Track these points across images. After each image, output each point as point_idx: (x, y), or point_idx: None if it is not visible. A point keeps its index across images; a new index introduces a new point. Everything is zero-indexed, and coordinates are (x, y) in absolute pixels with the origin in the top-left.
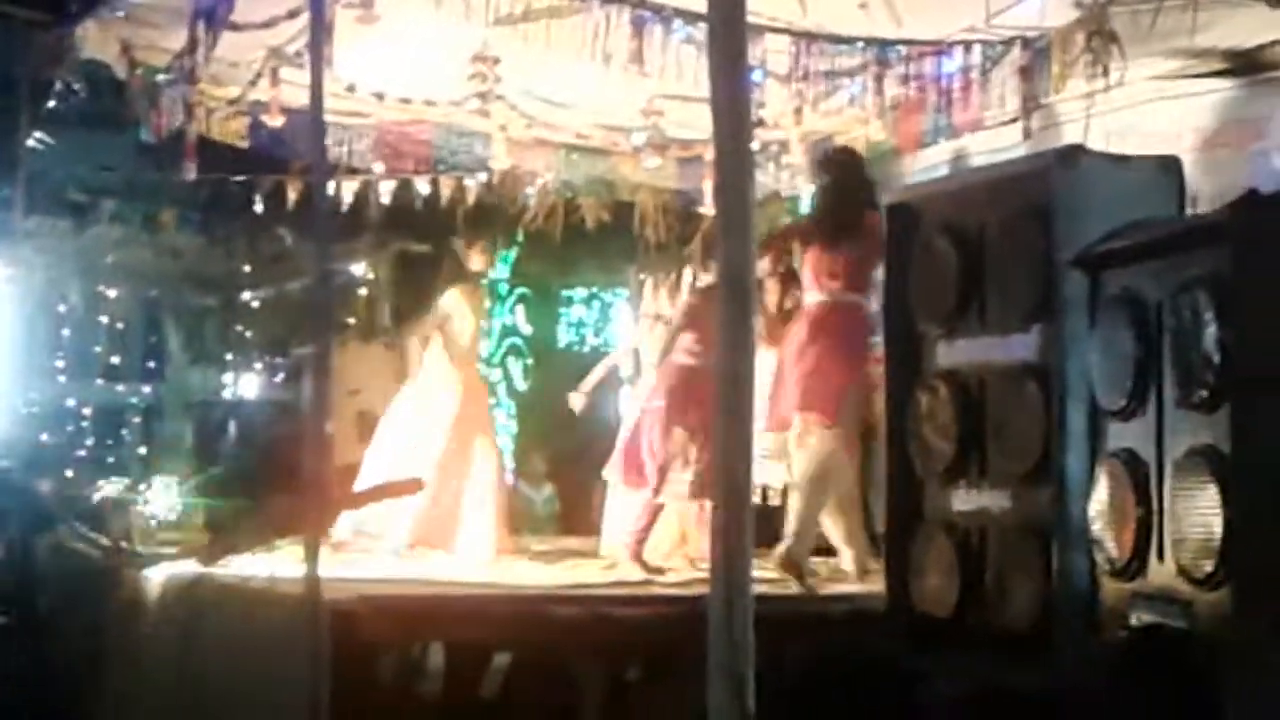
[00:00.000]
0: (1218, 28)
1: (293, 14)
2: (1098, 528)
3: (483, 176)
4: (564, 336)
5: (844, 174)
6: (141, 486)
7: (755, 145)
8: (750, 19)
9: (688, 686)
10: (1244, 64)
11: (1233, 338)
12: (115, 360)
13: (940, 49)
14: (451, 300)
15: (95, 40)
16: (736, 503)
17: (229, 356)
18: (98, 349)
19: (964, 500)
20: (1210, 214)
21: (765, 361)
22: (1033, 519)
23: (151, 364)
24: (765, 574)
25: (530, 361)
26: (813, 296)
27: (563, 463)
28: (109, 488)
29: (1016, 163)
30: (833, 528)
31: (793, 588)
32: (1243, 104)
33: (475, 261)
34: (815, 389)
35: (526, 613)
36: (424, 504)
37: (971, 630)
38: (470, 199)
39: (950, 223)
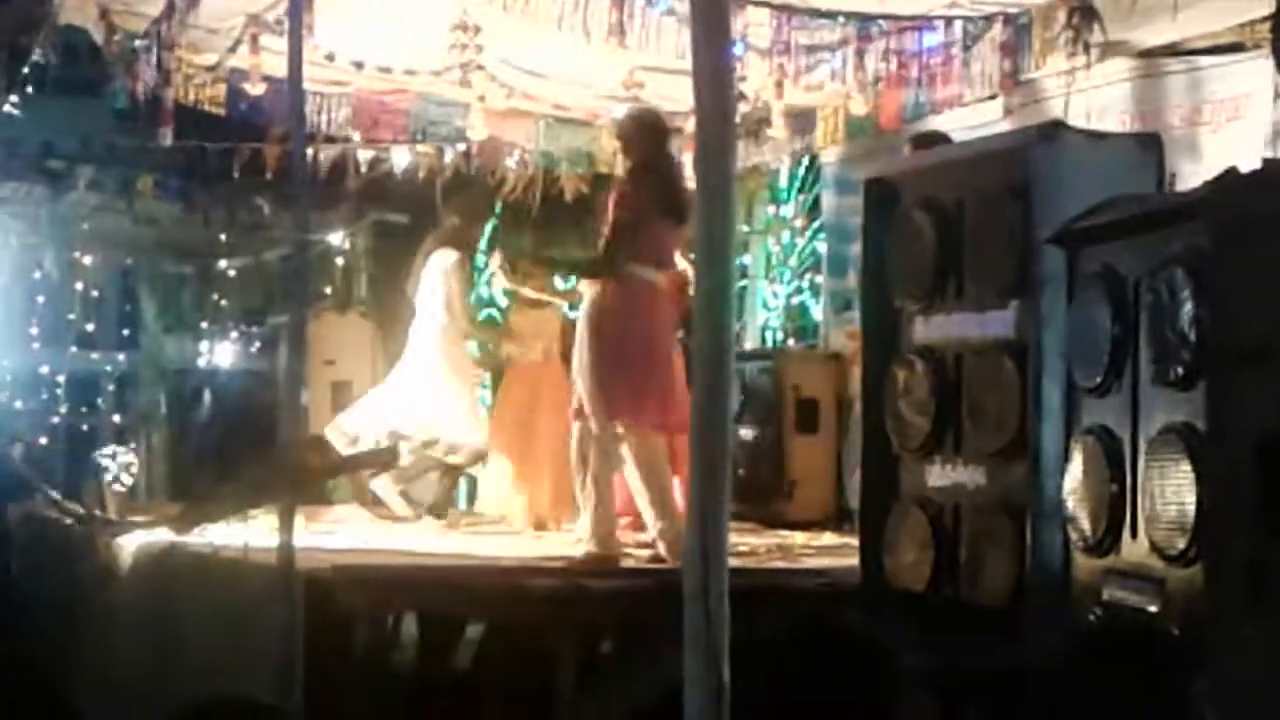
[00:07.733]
0: (1199, 5)
1: None
2: (1072, 504)
3: (461, 147)
4: None
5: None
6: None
7: (735, 118)
8: None
9: (662, 658)
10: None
11: (1209, 315)
12: (90, 328)
13: (921, 24)
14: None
15: (73, 5)
16: (714, 475)
17: (204, 325)
18: (72, 316)
19: (939, 476)
20: (1189, 192)
21: None
22: (1007, 495)
23: (126, 332)
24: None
25: None
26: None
27: None
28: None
29: (996, 139)
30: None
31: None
32: (1222, 81)
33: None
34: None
35: (501, 584)
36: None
37: (945, 605)
38: (448, 170)
39: (929, 199)
